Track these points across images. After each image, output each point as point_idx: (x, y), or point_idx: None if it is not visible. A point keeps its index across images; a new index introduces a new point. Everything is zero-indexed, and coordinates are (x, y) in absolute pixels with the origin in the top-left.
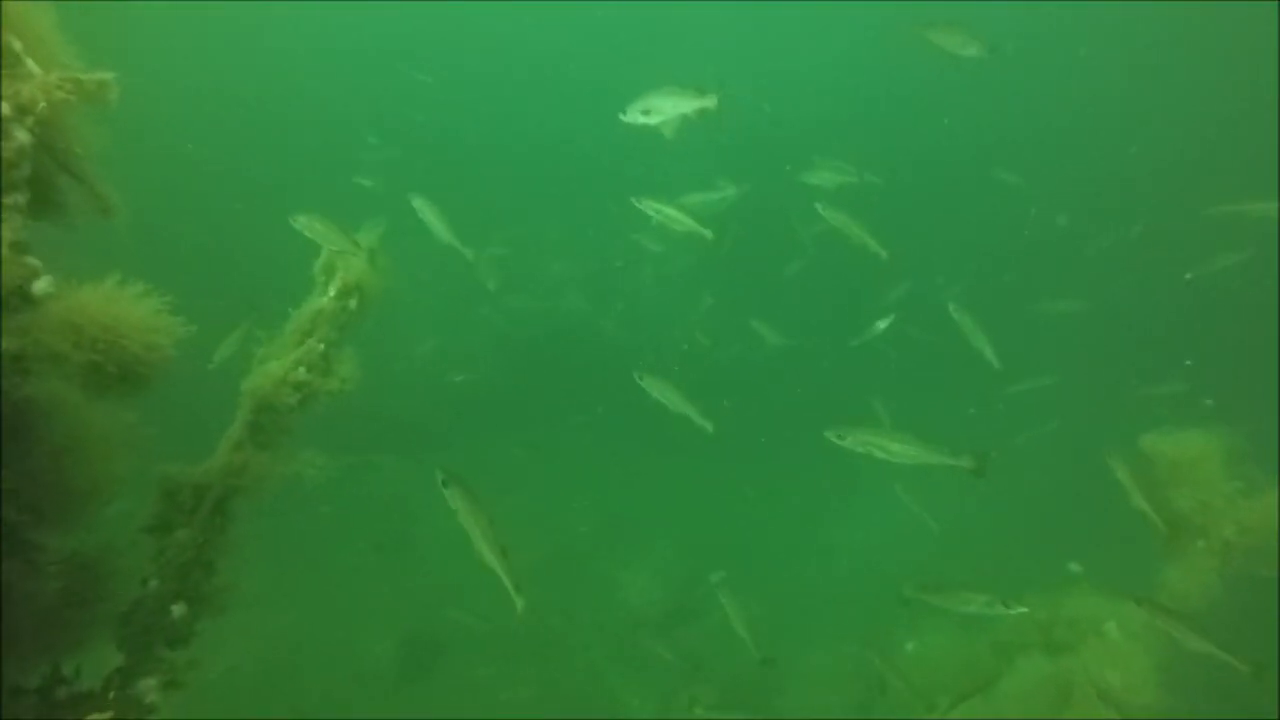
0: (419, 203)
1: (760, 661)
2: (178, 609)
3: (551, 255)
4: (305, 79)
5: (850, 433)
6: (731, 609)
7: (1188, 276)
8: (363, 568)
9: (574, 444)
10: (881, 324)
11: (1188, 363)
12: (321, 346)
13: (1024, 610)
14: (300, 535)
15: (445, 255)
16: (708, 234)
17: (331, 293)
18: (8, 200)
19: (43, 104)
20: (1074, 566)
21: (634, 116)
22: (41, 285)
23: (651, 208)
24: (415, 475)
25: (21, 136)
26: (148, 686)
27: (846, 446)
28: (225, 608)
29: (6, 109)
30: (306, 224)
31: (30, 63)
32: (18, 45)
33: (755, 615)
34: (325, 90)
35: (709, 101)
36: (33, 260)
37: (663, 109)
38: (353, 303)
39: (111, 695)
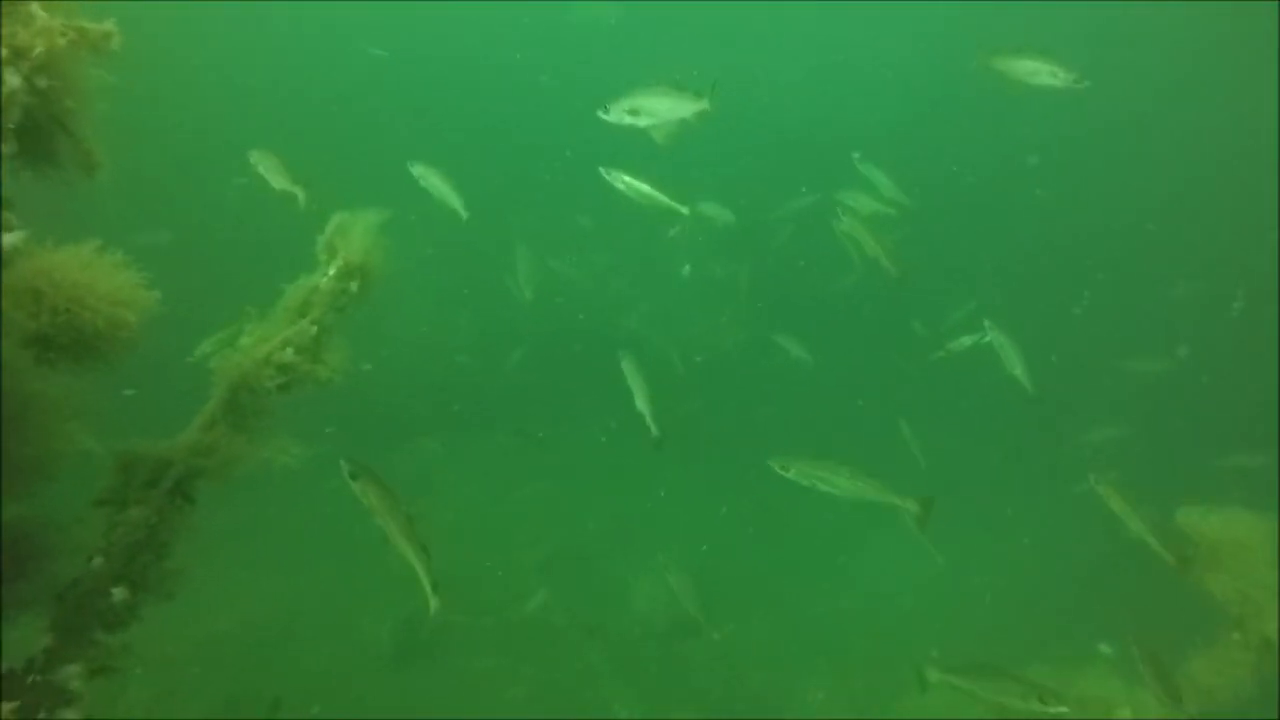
0: (419, 170)
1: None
2: (119, 592)
3: (589, 250)
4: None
5: (794, 464)
6: (679, 587)
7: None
8: (373, 545)
9: (589, 442)
10: (968, 340)
11: None
12: (314, 329)
13: (1064, 711)
14: (313, 506)
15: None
16: (684, 210)
17: (331, 272)
18: None
19: (39, 49)
20: (1104, 648)
21: (618, 116)
22: (11, 240)
23: (622, 181)
24: (432, 459)
25: (12, 80)
26: (71, 673)
27: (791, 478)
28: (173, 593)
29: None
30: (259, 158)
31: (35, 7)
32: None
33: (760, 639)
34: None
35: (707, 105)
36: (7, 215)
37: (655, 111)
38: (353, 285)
39: (30, 679)
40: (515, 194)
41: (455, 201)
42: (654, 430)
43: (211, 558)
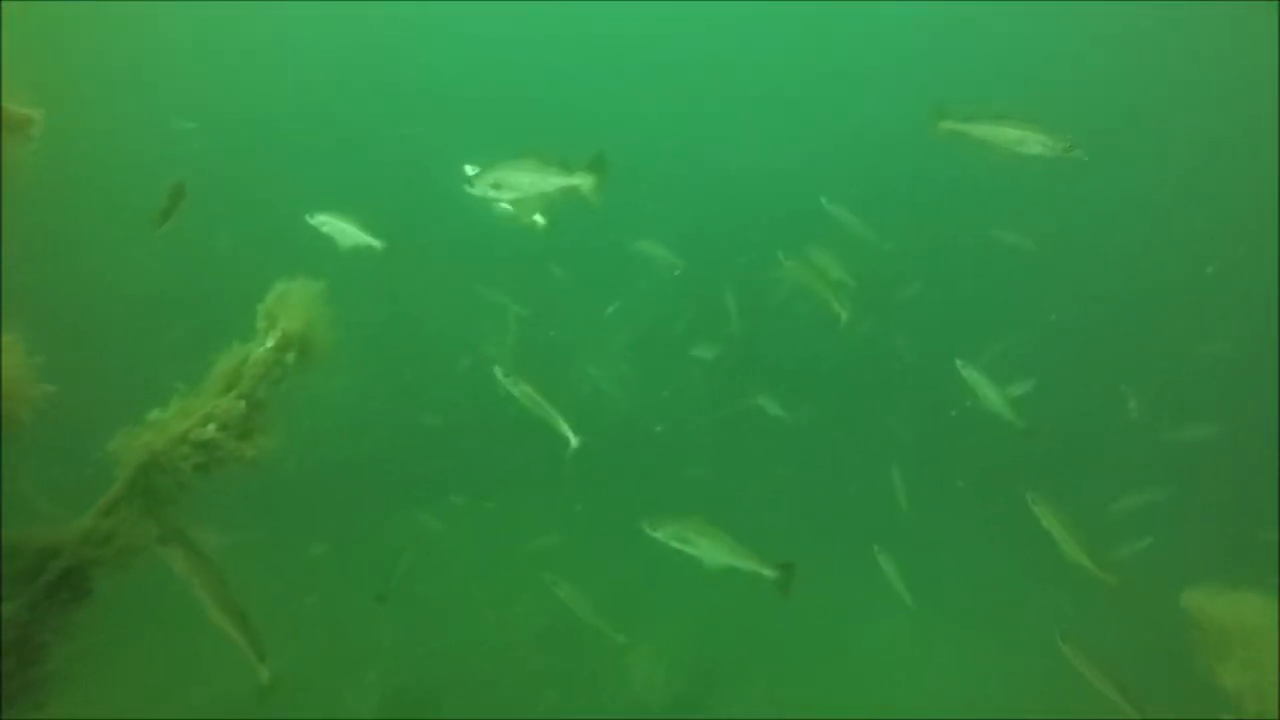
0: (319, 219)
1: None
2: None
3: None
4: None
5: (662, 525)
6: (571, 601)
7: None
8: (363, 615)
9: (585, 508)
10: (1017, 389)
11: None
12: (243, 404)
13: None
14: (295, 572)
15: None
16: (541, 221)
17: (269, 343)
18: None
19: None
20: None
21: (482, 189)
22: None
23: (483, 180)
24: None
25: None
26: None
27: (659, 539)
28: (44, 703)
29: None
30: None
31: None
32: None
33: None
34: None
35: (580, 181)
36: None
37: (518, 185)
38: (290, 356)
39: None
40: (485, 243)
41: (366, 237)
42: (572, 440)
43: (187, 627)
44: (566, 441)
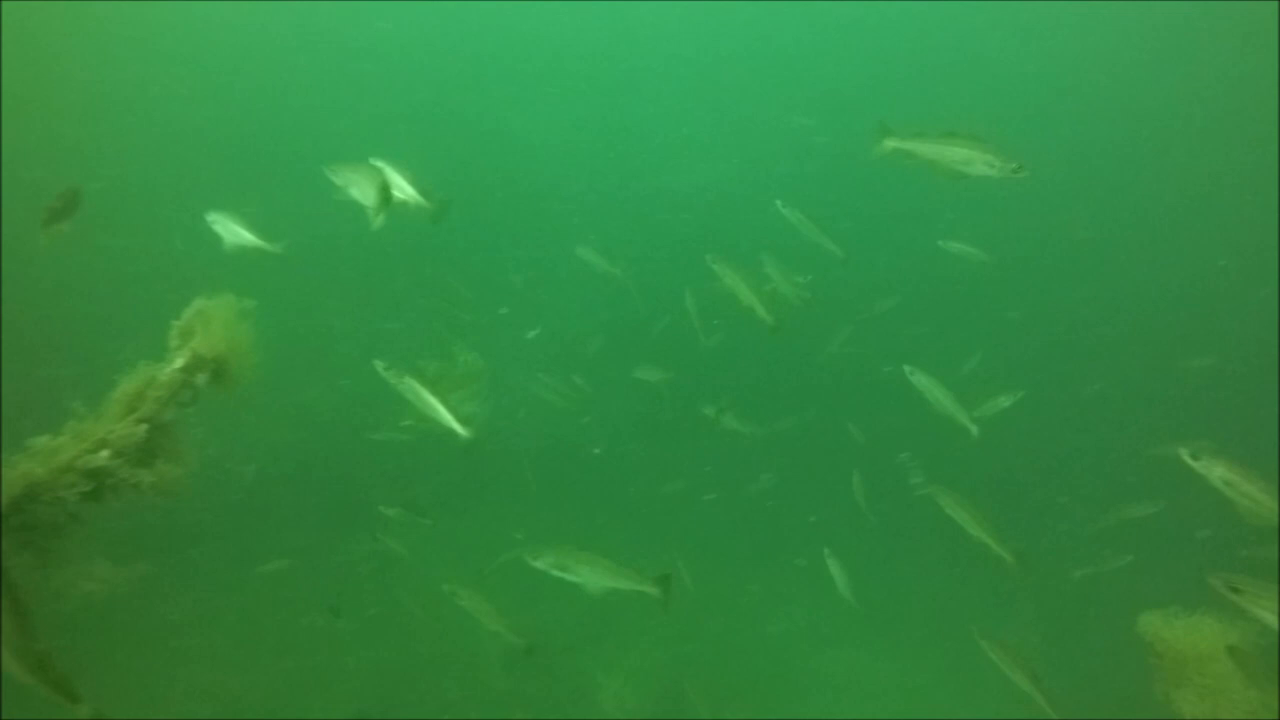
0: (213, 217)
1: (525, 650)
2: None
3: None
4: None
5: (543, 554)
6: (475, 609)
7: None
8: (324, 634)
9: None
10: (1004, 401)
11: None
12: (144, 428)
13: None
14: (254, 591)
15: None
16: (427, 204)
17: (177, 363)
18: None
19: None
20: None
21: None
22: None
23: (344, 175)
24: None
25: None
26: None
27: (541, 568)
28: None
29: None
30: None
31: None
32: None
33: None
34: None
35: (403, 196)
36: None
37: (358, 188)
38: (201, 377)
39: None
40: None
41: (257, 240)
42: (463, 433)
43: (151, 653)
44: (457, 435)
